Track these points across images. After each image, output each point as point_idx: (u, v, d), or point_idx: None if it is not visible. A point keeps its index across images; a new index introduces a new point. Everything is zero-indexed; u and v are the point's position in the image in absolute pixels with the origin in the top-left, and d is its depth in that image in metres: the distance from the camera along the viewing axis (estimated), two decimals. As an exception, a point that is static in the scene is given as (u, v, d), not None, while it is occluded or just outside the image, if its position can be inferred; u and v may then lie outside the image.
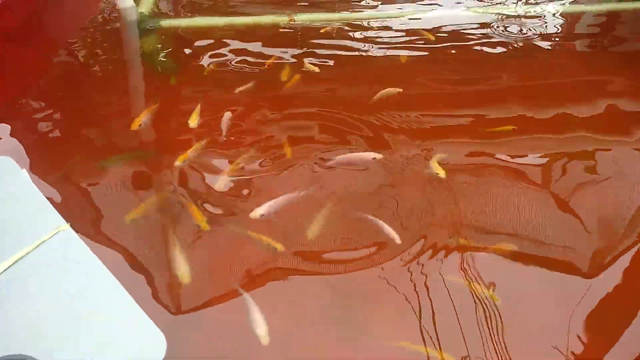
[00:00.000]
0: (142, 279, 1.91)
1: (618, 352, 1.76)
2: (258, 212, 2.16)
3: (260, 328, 1.75)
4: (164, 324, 1.60)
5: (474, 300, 1.88)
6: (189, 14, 4.05)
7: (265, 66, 3.23)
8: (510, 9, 4.06)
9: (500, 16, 3.95)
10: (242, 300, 1.86)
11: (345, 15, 3.94)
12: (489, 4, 4.21)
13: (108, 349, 1.41)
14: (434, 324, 1.81)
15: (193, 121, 2.68)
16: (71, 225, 1.83)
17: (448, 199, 2.29)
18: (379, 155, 2.48)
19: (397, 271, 1.97)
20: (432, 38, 3.61)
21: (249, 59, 3.33)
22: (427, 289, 1.91)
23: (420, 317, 1.83)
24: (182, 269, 1.96)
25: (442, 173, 2.37)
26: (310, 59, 3.32)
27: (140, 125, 2.66)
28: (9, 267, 1.64)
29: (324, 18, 3.85)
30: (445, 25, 3.81)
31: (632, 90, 3.17)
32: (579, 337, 1.78)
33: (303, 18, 3.81)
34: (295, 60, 3.31)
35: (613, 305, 1.91)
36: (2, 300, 1.55)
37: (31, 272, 1.64)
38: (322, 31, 3.68)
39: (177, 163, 2.42)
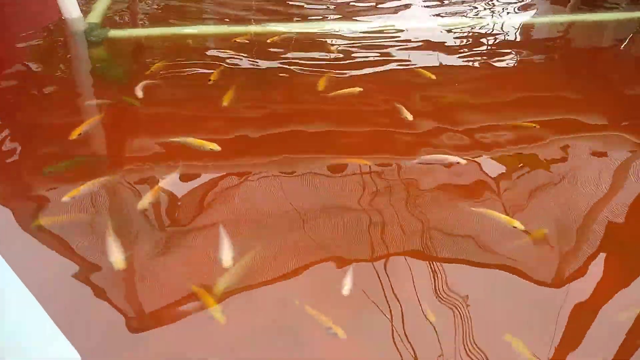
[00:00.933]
0: (70, 296, 1.83)
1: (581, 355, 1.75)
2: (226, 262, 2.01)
3: None
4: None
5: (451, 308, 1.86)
6: (144, 24, 4.00)
7: (210, 81, 3.15)
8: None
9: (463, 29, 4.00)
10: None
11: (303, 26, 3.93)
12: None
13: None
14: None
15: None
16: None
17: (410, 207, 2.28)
18: (463, 160, 2.48)
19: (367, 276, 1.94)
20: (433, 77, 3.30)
21: (198, 71, 3.29)
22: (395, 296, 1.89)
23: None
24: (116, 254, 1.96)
25: (518, 225, 2.19)
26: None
27: (80, 134, 2.58)
28: None
29: (280, 30, 3.82)
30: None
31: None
32: (543, 339, 1.77)
33: (259, 30, 3.79)
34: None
35: (576, 309, 1.89)
36: None
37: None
38: (269, 40, 3.63)
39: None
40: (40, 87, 3.10)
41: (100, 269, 1.94)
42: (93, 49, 3.56)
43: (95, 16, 3.79)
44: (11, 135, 2.65)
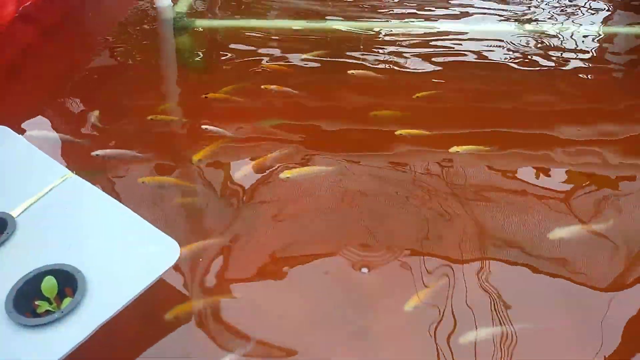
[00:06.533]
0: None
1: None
2: None
3: None
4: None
5: (492, 317, 1.77)
6: (226, 15, 4.06)
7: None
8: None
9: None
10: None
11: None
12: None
13: (130, 260, 1.58)
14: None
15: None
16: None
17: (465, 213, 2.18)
18: None
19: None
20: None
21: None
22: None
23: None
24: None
25: None
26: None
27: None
28: (26, 208, 1.74)
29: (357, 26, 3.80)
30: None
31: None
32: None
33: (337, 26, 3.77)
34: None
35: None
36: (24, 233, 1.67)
37: (46, 210, 1.75)
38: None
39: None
40: (124, 71, 3.22)
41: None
42: (180, 37, 3.67)
43: (184, 5, 3.91)
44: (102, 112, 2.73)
